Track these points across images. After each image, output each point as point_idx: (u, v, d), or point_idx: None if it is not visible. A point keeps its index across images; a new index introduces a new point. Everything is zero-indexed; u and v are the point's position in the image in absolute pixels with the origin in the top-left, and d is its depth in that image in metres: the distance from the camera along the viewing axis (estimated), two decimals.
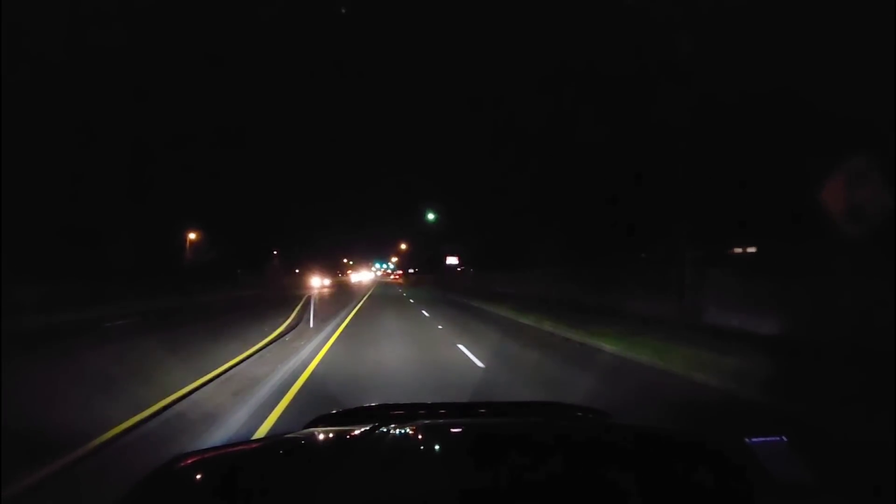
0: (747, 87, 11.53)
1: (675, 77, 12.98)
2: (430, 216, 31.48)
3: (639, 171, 16.18)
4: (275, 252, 54.68)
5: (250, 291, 29.13)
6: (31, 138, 20.50)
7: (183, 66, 36.45)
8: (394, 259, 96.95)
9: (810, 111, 10.14)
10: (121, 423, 3.84)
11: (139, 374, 5.83)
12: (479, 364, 7.16)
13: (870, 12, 8.65)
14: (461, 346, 8.63)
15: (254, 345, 8.16)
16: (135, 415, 4.06)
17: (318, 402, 4.57)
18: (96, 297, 18.20)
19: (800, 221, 10.79)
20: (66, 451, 3.17)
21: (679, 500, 0.98)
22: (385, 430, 1.35)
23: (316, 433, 1.51)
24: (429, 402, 2.07)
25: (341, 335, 10.06)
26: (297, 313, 13.89)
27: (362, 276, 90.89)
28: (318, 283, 41.40)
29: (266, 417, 4.29)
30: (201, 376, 5.63)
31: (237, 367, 6.32)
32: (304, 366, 6.65)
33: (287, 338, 9.25)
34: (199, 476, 1.14)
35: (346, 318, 13.67)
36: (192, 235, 36.60)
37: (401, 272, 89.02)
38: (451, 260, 43.76)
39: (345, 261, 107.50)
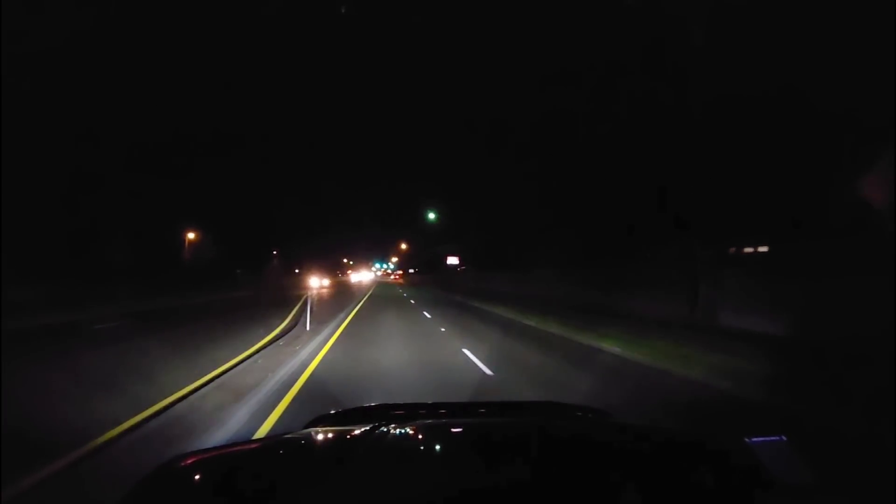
0: (753, 83, 11.17)
1: (683, 70, 12.48)
2: (431, 216, 30.89)
3: (645, 168, 15.63)
4: (274, 252, 54.12)
5: (249, 292, 28.54)
6: (27, 138, 20.06)
7: (183, 65, 35.97)
8: (394, 259, 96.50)
9: (815, 108, 9.81)
10: (58, 455, 3.10)
11: (111, 386, 5.23)
12: (488, 371, 6.58)
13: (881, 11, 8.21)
14: (466, 351, 8.04)
15: (245, 350, 7.57)
16: (86, 443, 3.34)
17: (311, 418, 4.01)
18: (91, 297, 17.76)
19: (814, 220, 10.41)
20: None
21: (679, 499, 0.96)
22: (385, 429, 1.33)
23: (316, 433, 1.48)
24: (429, 402, 2.02)
25: (339, 338, 9.47)
26: (294, 315, 13.28)
27: (362, 276, 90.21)
28: (316, 283, 40.73)
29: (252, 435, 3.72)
30: (183, 386, 5.07)
31: (222, 378, 5.71)
32: (298, 374, 6.06)
33: (281, 342, 8.65)
34: (198, 476, 1.12)
35: (344, 319, 13.07)
36: (190, 235, 36.10)
37: (401, 272, 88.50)
38: (452, 260, 43.21)
39: (345, 261, 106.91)
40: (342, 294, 29.55)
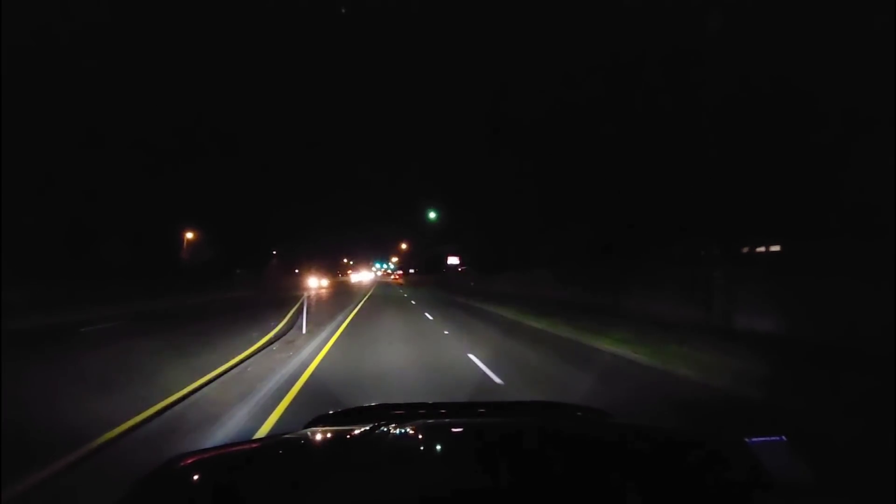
0: (764, 81, 10.77)
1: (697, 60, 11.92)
2: (432, 215, 30.28)
3: (653, 165, 15.04)
4: (274, 252, 53.48)
5: (246, 292, 27.91)
6: (24, 136, 19.57)
7: (182, 64, 35.52)
8: (394, 259, 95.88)
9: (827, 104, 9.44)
10: None
11: (78, 400, 4.61)
12: (497, 380, 5.97)
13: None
14: (472, 357, 7.42)
15: (235, 356, 6.95)
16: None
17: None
18: (85, 298, 17.24)
19: (830, 218, 9.94)
20: None
21: (679, 499, 0.95)
22: (385, 429, 1.32)
23: (316, 433, 1.45)
24: (430, 402, 1.99)
25: (337, 342, 8.85)
26: (290, 317, 12.66)
27: (362, 276, 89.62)
28: (315, 283, 40.02)
29: None
30: (162, 399, 4.47)
31: (203, 391, 5.08)
32: (289, 384, 5.44)
33: (275, 346, 8.01)
34: (198, 476, 1.09)
35: (343, 322, 12.44)
36: (189, 235, 35.52)
37: (401, 272, 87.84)
38: (453, 260, 42.58)
39: (345, 261, 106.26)
40: (341, 295, 28.88)
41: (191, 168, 33.51)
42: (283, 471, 1.11)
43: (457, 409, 1.95)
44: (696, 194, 12.25)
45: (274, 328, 10.80)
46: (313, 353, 7.63)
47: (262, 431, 3.87)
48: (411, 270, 79.27)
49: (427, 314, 14.83)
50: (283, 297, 20.74)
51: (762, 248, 13.21)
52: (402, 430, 1.41)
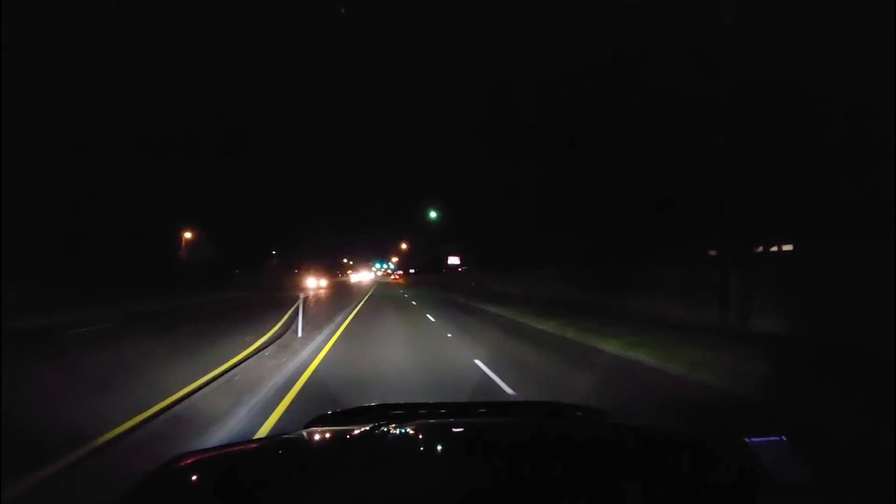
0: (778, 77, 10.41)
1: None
2: (433, 214, 29.70)
3: (661, 161, 14.50)
4: (273, 252, 52.88)
5: (244, 293, 27.33)
6: (19, 135, 19.07)
7: (181, 64, 35.00)
8: (394, 259, 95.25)
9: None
10: None
11: (38, 418, 4.04)
12: (508, 390, 5.43)
13: None
14: (479, 363, 6.86)
15: (224, 363, 6.38)
16: None
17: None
18: (80, 299, 16.74)
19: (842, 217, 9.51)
20: None
21: (679, 499, 0.94)
22: (385, 429, 1.31)
23: (316, 433, 1.43)
24: (430, 402, 1.97)
25: (334, 346, 8.28)
26: (287, 319, 12.08)
27: (362, 276, 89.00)
28: (313, 283, 39.39)
29: None
30: (136, 415, 3.93)
31: (185, 402, 4.53)
32: (280, 396, 4.89)
33: (268, 352, 7.43)
34: (198, 476, 1.08)
35: (341, 324, 11.87)
36: (187, 235, 34.95)
37: (401, 272, 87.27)
38: (453, 260, 42.02)
39: (345, 261, 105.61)
40: (341, 295, 28.27)
41: (190, 167, 33.08)
42: (283, 471, 1.10)
43: (457, 410, 1.90)
44: (709, 192, 11.73)
45: (269, 330, 10.23)
46: (308, 358, 7.07)
47: (262, 432, 3.79)
48: (411, 270, 78.73)
49: (429, 315, 14.25)
50: (281, 298, 20.15)
51: (773, 248, 12.73)
52: (403, 431, 1.39)
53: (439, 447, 1.35)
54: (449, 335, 10.00)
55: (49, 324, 11.48)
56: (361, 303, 20.02)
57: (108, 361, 6.81)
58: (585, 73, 18.08)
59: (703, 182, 12.30)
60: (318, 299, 23.07)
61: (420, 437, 1.39)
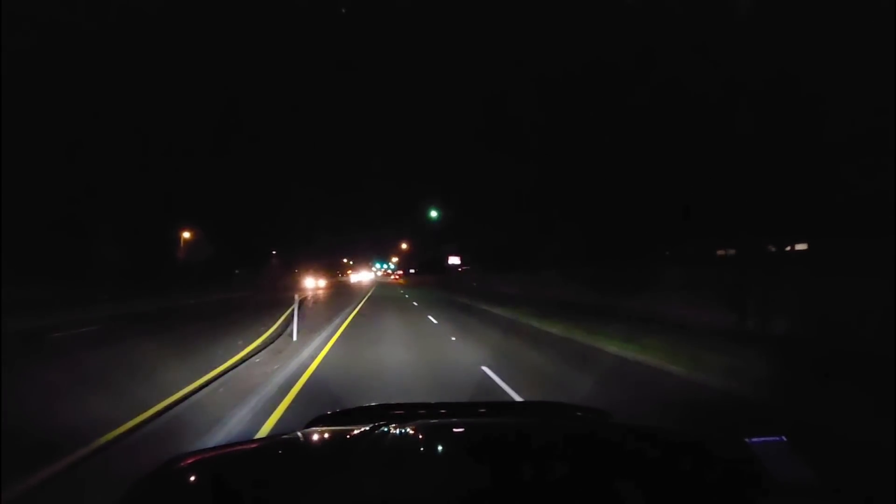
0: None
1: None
2: (433, 213, 29.13)
3: (669, 156, 13.95)
4: (273, 252, 52.29)
5: (242, 293, 26.73)
6: (15, 133, 18.55)
7: (180, 63, 34.48)
8: (394, 259, 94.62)
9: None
10: None
11: None
12: (521, 401, 4.85)
13: None
14: (487, 370, 6.29)
15: (209, 371, 5.81)
16: None
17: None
18: (68, 299, 16.10)
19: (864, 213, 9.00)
20: None
21: (680, 500, 0.93)
22: (385, 429, 1.30)
23: (316, 433, 1.41)
24: (431, 402, 1.90)
25: (331, 351, 7.69)
26: (282, 321, 11.50)
27: (362, 276, 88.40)
28: (311, 284, 38.72)
29: None
30: (97, 437, 3.35)
31: (147, 428, 3.93)
32: (268, 413, 4.32)
33: (258, 358, 6.84)
34: (198, 476, 1.06)
35: (339, 326, 11.28)
36: (186, 234, 34.39)
37: (401, 272, 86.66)
38: (454, 260, 41.38)
39: (345, 261, 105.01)
40: (340, 295, 27.64)
41: (190, 167, 32.58)
42: (283, 471, 1.08)
43: (457, 410, 1.88)
44: (724, 189, 11.17)
45: (263, 334, 9.66)
46: (303, 365, 6.49)
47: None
48: (411, 270, 78.10)
49: (430, 317, 13.65)
50: (279, 298, 19.56)
51: (786, 248, 12.20)
52: (403, 431, 1.36)
53: (440, 447, 1.34)
54: (453, 338, 9.41)
55: (34, 326, 10.91)
56: (361, 304, 19.42)
57: (79, 371, 6.21)
58: (586, 72, 17.64)
59: (717, 178, 11.75)
60: (316, 300, 22.45)
61: (420, 437, 1.37)
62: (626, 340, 8.37)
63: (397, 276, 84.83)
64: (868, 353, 6.37)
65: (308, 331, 9.66)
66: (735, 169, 10.97)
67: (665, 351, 7.34)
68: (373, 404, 1.77)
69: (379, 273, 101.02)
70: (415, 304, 20.13)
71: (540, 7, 19.14)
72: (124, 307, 15.75)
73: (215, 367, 6.06)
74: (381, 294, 29.25)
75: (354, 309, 16.43)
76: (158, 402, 4.39)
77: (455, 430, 1.49)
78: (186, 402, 4.54)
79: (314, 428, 1.48)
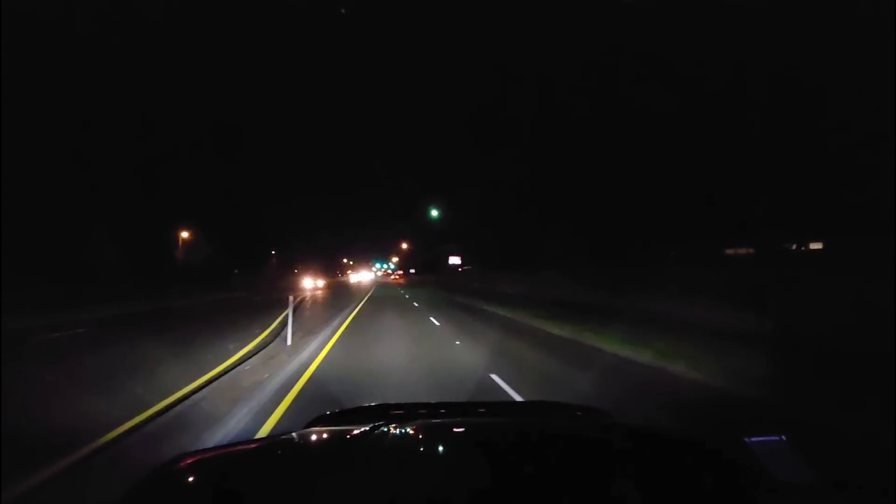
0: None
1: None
2: (434, 213, 28.59)
3: (680, 154, 13.42)
4: (272, 252, 51.67)
5: (239, 293, 26.16)
6: (12, 132, 18.01)
7: (180, 62, 33.99)
8: (394, 259, 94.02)
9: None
10: None
11: None
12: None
13: None
14: (496, 378, 5.73)
15: (192, 381, 5.25)
16: None
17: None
18: (59, 300, 15.51)
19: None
20: None
21: (679, 499, 0.92)
22: (385, 429, 1.28)
23: (316, 433, 1.40)
24: (432, 402, 1.91)
25: (327, 357, 7.11)
26: (277, 323, 10.93)
27: (362, 276, 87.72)
28: (310, 284, 38.07)
29: None
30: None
31: (131, 438, 3.38)
32: (264, 416, 3.77)
33: (248, 365, 6.26)
34: (198, 476, 1.05)
35: (338, 328, 10.70)
36: (184, 234, 33.83)
37: (401, 272, 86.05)
38: (454, 260, 40.83)
39: (345, 261, 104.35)
40: (339, 296, 27.03)
41: (189, 167, 32.06)
42: (283, 471, 1.07)
43: (457, 409, 1.85)
44: (739, 186, 10.66)
45: (257, 336, 9.10)
46: (296, 373, 5.92)
47: (263, 432, 3.56)
48: (411, 270, 77.52)
49: (432, 319, 13.07)
50: (277, 299, 18.99)
51: (796, 246, 11.72)
52: (403, 430, 1.35)
53: (439, 447, 1.32)
54: (457, 342, 8.83)
55: (19, 328, 10.34)
56: (360, 305, 18.83)
57: (49, 379, 5.64)
58: (586, 71, 17.20)
59: (731, 176, 11.23)
60: (314, 301, 21.85)
61: (420, 437, 1.35)
62: (643, 345, 7.79)
63: (397, 277, 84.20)
64: None
65: (305, 334, 9.08)
66: (752, 165, 10.45)
67: (685, 356, 6.78)
68: (372, 404, 1.75)
69: (379, 273, 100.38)
70: (415, 304, 19.55)
71: (541, 7, 18.73)
72: (116, 308, 15.19)
73: (203, 376, 5.50)
74: (381, 294, 28.67)
75: (354, 310, 15.84)
76: (129, 420, 3.82)
77: (455, 429, 1.46)
78: (149, 427, 3.92)
79: (314, 428, 1.47)
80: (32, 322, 11.18)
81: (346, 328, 10.84)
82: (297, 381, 5.49)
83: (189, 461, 1.08)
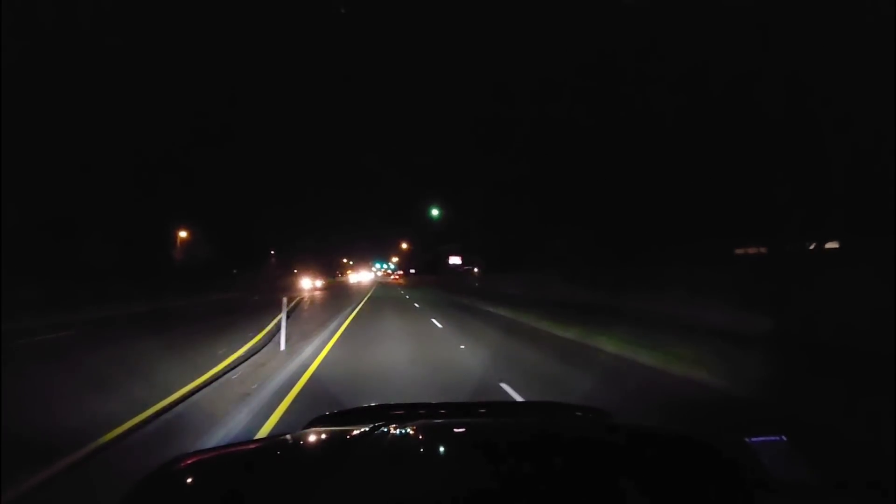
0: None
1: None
2: (434, 212, 28.09)
3: (683, 150, 12.93)
4: (272, 252, 51.15)
5: (237, 294, 25.63)
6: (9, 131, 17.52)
7: (179, 62, 33.52)
8: (394, 259, 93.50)
9: None
10: None
11: None
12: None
13: None
14: (506, 387, 5.22)
15: (174, 392, 4.73)
16: None
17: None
18: (54, 301, 14.99)
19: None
20: None
21: (679, 499, 0.90)
22: (385, 429, 1.27)
23: (316, 433, 1.37)
24: (432, 402, 1.91)
25: (323, 363, 6.60)
26: (272, 326, 10.41)
27: (362, 276, 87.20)
28: (308, 284, 37.52)
29: None
30: None
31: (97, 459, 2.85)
32: (256, 428, 3.24)
33: (236, 374, 5.72)
34: (198, 476, 1.03)
35: (336, 331, 10.18)
36: (182, 234, 33.33)
37: (401, 272, 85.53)
38: (454, 260, 40.33)
39: (344, 261, 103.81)
40: (339, 296, 26.49)
41: (187, 167, 31.59)
42: (283, 471, 1.05)
43: (457, 410, 1.83)
44: (754, 179, 10.16)
45: (251, 340, 8.59)
46: (290, 380, 5.41)
47: (263, 432, 3.49)
48: (411, 271, 77.02)
49: (434, 321, 12.55)
50: (273, 300, 18.47)
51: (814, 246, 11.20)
52: (403, 431, 1.33)
53: (440, 447, 1.30)
54: (462, 346, 8.30)
55: (5, 329, 9.81)
56: (360, 305, 18.29)
57: (23, 387, 5.12)
58: (586, 70, 16.75)
59: (735, 175, 10.74)
60: (312, 302, 21.31)
61: (420, 437, 1.32)
62: (660, 349, 7.29)
63: (397, 277, 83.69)
64: None
65: (301, 337, 8.57)
66: (761, 162, 9.97)
67: (707, 363, 6.26)
68: (372, 404, 1.75)
69: (379, 273, 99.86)
70: (416, 305, 19.03)
71: (542, 7, 18.28)
72: (112, 308, 14.69)
73: (186, 385, 4.98)
74: (381, 295, 28.15)
75: (353, 311, 15.31)
76: (106, 433, 3.31)
77: (455, 430, 1.44)
78: (137, 434, 3.42)
79: (314, 428, 1.45)
80: (20, 324, 10.66)
81: (344, 331, 10.31)
82: (289, 392, 4.96)
83: (189, 461, 1.06)
